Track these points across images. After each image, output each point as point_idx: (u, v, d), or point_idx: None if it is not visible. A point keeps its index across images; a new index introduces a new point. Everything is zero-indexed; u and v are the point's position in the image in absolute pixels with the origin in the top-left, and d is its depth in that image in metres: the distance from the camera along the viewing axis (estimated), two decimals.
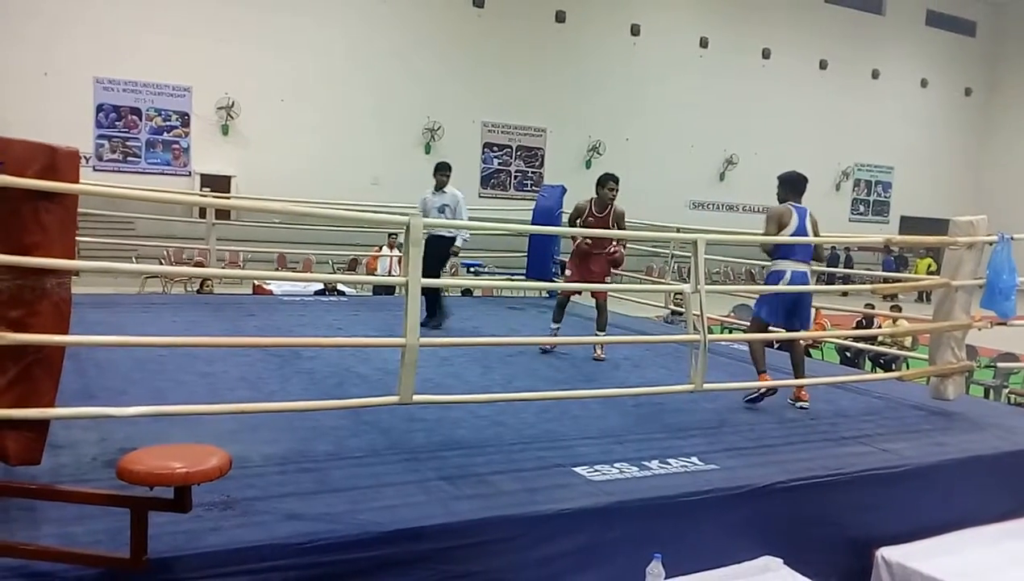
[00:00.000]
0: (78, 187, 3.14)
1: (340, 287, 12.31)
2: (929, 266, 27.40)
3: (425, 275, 6.33)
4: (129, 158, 21.67)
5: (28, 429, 3.15)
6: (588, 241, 6.78)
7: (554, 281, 10.47)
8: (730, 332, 11.63)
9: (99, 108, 21.18)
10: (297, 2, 22.50)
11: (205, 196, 14.51)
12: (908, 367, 9.25)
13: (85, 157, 19.34)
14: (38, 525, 2.93)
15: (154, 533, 2.70)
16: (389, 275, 13.75)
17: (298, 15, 22.47)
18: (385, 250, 14.30)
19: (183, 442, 3.28)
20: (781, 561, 3.85)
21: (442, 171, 8.13)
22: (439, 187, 8.09)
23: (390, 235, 14.28)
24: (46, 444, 3.27)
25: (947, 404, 5.72)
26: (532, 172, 27.05)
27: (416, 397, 3.94)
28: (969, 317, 5.62)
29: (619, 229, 6.83)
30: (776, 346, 9.78)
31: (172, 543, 2.82)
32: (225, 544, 2.91)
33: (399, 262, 14.26)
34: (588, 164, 27.15)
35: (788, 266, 5.65)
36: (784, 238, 5.58)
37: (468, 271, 16.22)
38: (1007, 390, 10.04)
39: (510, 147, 26.76)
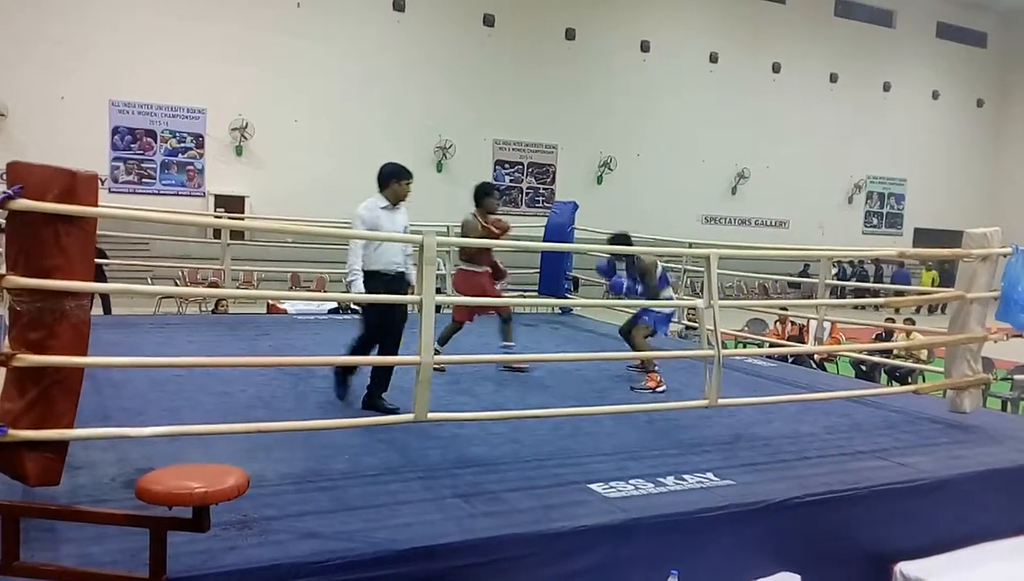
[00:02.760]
0: (97, 210, 3.19)
1: (353, 306, 12.35)
2: (933, 279, 27.32)
3: (392, 334, 5.15)
4: (144, 180, 21.85)
5: (47, 450, 3.18)
6: (473, 258, 6.95)
7: (567, 297, 10.49)
8: (744, 347, 11.60)
9: (114, 131, 21.37)
10: (310, 24, 22.69)
11: (220, 217, 14.62)
12: (924, 380, 9.18)
13: (101, 179, 19.52)
14: (57, 545, 2.95)
15: (172, 553, 2.72)
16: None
17: (311, 37, 22.65)
18: None
19: (200, 462, 3.30)
20: (799, 577, 3.82)
21: (407, 179, 5.56)
22: (399, 199, 5.56)
23: None
24: (65, 465, 3.30)
25: (964, 417, 5.68)
26: (544, 189, 27.09)
27: (430, 415, 3.96)
28: (985, 329, 5.59)
29: (504, 234, 7.02)
30: (790, 360, 9.76)
31: (190, 563, 2.84)
32: (243, 563, 2.92)
33: None
34: (600, 180, 27.18)
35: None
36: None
37: None
38: None
39: (521, 164, 26.82)
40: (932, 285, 25.36)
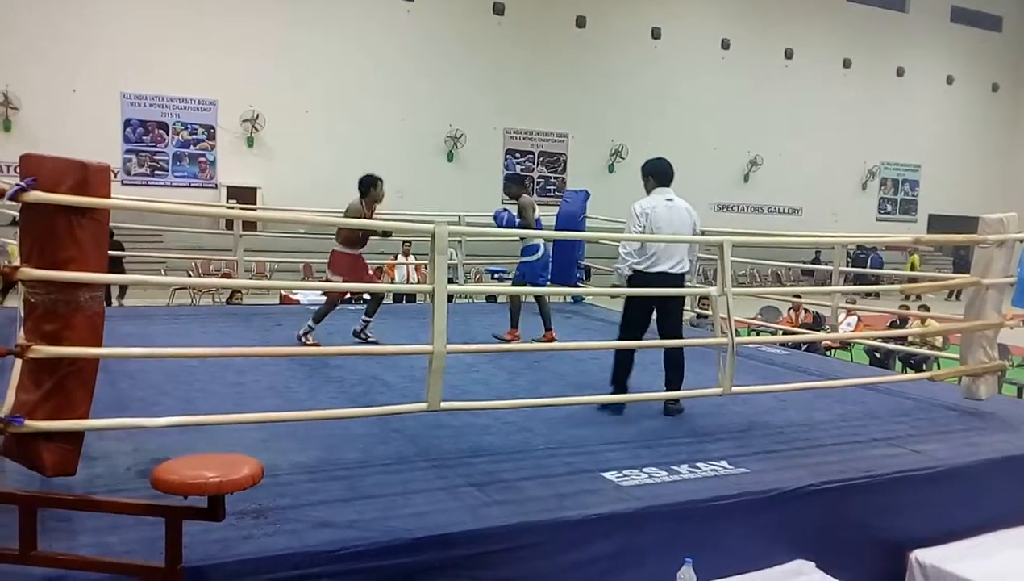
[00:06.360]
0: (110, 202, 3.19)
1: (366, 296, 12.39)
2: (913, 264, 27.43)
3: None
4: (156, 172, 21.94)
5: (63, 440, 3.20)
6: (350, 242, 7.31)
7: (579, 286, 10.46)
8: (757, 335, 11.56)
9: (127, 123, 21.46)
10: (320, 15, 22.69)
11: (232, 208, 14.67)
12: (939, 367, 9.13)
13: (113, 172, 19.61)
14: (74, 535, 2.97)
15: (187, 542, 2.73)
16: (408, 282, 13.89)
17: (321, 27, 22.66)
18: (401, 258, 14.48)
19: (214, 451, 3.32)
20: (814, 565, 3.81)
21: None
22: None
23: (404, 242, 14.43)
24: (81, 455, 3.32)
25: (979, 404, 5.65)
26: (555, 177, 27.04)
27: (444, 404, 3.95)
28: (1001, 316, 5.55)
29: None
30: (804, 348, 9.72)
31: (205, 552, 2.85)
32: (258, 552, 2.93)
33: (416, 269, 14.48)
34: (611, 168, 27.09)
35: (541, 242, 7.71)
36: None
37: (492, 277, 16.27)
38: None
39: (532, 153, 26.76)
40: (912, 269, 25.71)
